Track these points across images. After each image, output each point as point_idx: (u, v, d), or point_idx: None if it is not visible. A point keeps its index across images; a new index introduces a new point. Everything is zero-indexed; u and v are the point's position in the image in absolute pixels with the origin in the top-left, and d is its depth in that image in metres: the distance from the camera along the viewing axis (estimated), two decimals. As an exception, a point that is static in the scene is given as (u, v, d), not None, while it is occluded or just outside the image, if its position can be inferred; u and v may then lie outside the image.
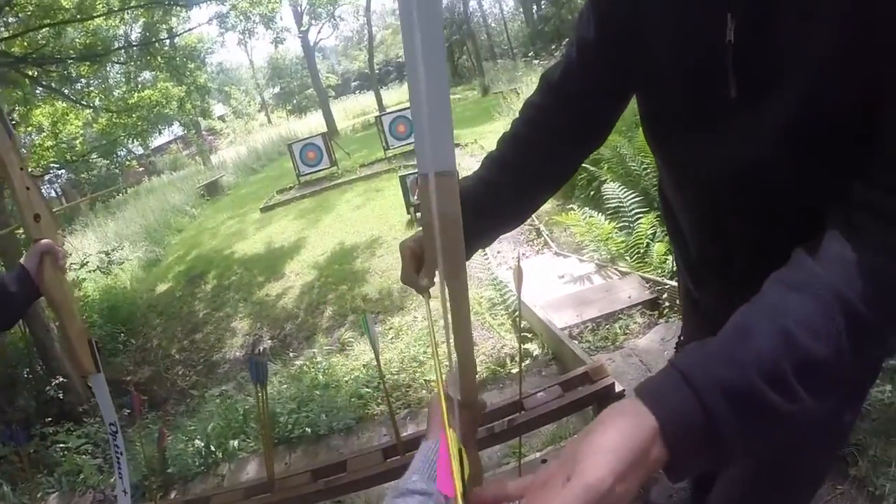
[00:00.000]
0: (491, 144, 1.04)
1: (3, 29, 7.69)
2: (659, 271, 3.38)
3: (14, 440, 2.00)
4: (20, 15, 7.77)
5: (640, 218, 3.82)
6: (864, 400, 1.26)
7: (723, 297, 0.70)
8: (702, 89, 0.74)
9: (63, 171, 16.73)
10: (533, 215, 1.91)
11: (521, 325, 3.34)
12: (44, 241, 1.41)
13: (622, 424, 0.49)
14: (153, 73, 13.69)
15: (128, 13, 11.31)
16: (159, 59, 11.33)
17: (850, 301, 0.52)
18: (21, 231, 4.10)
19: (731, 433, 0.49)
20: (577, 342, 2.93)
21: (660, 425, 0.49)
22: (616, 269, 3.70)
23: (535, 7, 23.84)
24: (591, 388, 1.97)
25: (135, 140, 16.15)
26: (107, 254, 7.08)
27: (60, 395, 4.09)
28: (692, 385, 0.51)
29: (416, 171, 0.66)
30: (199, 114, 21.24)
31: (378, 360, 1.82)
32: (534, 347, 3.11)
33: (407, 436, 2.04)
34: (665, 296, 3.12)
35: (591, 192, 4.70)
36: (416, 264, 0.73)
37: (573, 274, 3.85)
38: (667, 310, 3.03)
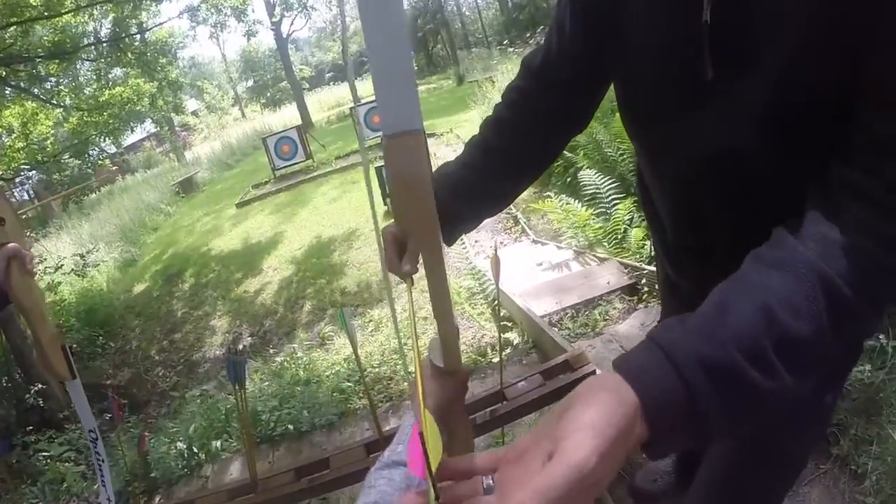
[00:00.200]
0: (466, 134, 1.03)
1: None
2: (637, 256, 3.40)
3: (-4, 451, 1.95)
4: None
5: (617, 204, 3.83)
6: (845, 380, 1.28)
7: (701, 281, 0.70)
8: (679, 72, 0.74)
9: (34, 172, 16.34)
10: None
11: (501, 314, 3.33)
12: (10, 245, 1.36)
13: (604, 400, 0.47)
14: (124, 69, 13.49)
15: (97, 9, 11.09)
16: (130, 54, 11.15)
17: (831, 281, 0.52)
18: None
19: (712, 410, 0.49)
20: (557, 330, 2.93)
21: (641, 401, 0.48)
22: (594, 255, 3.72)
23: (509, -6, 23.83)
24: (573, 375, 1.98)
25: (107, 138, 15.90)
26: (82, 256, 6.97)
27: (41, 403, 3.98)
28: (673, 361, 0.50)
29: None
30: (171, 110, 20.96)
31: (357, 355, 1.80)
32: (514, 336, 3.11)
33: (389, 430, 2.04)
34: (644, 281, 3.14)
35: (568, 179, 4.70)
36: (399, 249, 0.70)
37: (551, 261, 3.86)
38: (646, 295, 3.05)
